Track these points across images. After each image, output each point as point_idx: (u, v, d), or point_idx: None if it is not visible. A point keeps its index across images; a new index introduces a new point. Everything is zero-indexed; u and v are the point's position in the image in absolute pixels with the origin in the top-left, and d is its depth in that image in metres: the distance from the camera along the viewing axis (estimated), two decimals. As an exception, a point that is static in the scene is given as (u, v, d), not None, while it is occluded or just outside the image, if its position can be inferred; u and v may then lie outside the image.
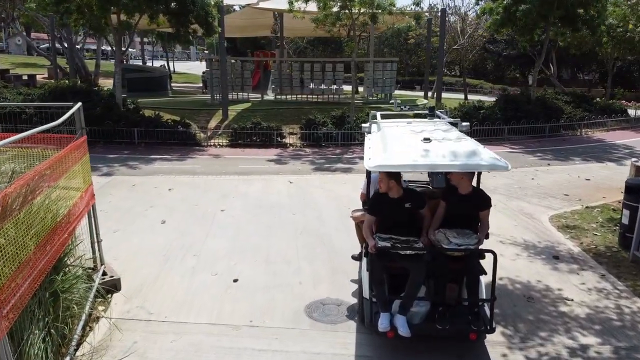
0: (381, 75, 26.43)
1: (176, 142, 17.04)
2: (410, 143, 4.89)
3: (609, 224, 9.03)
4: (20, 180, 3.88)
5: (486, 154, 4.56)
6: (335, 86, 26.34)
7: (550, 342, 5.20)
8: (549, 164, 15.07)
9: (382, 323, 4.69)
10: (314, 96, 26.59)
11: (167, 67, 45.36)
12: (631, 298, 6.19)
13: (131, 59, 58.77)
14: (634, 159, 10.73)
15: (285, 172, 13.37)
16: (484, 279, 5.05)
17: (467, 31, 35.71)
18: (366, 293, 5.02)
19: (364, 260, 5.36)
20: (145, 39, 54.83)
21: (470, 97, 35.11)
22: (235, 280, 6.58)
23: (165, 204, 10.12)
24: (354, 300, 5.99)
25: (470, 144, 4.86)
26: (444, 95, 28.42)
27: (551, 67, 33.00)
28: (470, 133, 16.89)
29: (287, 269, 6.99)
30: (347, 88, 28.86)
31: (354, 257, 6.63)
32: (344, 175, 13.12)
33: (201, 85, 33.69)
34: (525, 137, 19.76)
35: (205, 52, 72.17)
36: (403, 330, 4.63)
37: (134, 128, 16.94)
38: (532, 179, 12.94)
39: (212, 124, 19.63)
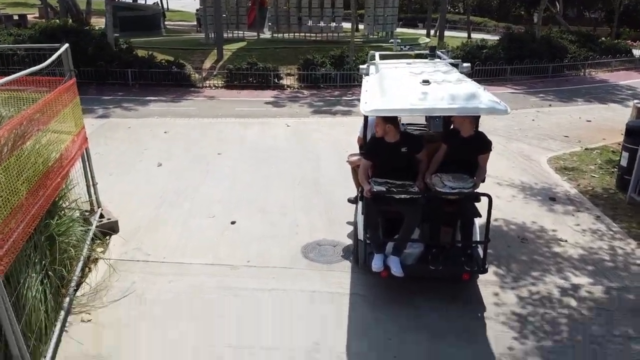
0: (382, 12, 25.55)
1: (170, 83, 16.71)
2: (409, 86, 4.76)
3: (607, 166, 9.00)
4: (8, 125, 3.79)
5: (486, 97, 4.44)
6: (334, 24, 25.52)
7: (542, 282, 5.29)
8: (550, 105, 14.86)
9: (376, 263, 4.75)
10: (312, 34, 25.83)
11: (160, 5, 43.79)
12: (625, 239, 6.25)
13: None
14: (636, 101, 10.54)
15: (283, 115, 13.19)
16: (479, 221, 5.07)
17: (471, -35, 34.20)
18: (361, 235, 5.05)
19: (360, 203, 5.36)
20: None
21: (474, 35, 34.16)
22: (232, 223, 6.62)
23: (161, 147, 10.04)
24: (350, 242, 6.05)
25: (470, 86, 4.74)
26: (447, 33, 27.66)
27: (557, 4, 31.91)
28: (473, 73, 16.80)
29: (284, 211, 7.01)
30: (347, 26, 27.99)
31: (350, 200, 6.66)
32: (342, 118, 12.94)
33: (195, 23, 32.66)
34: (528, 77, 19.39)
35: (200, -12, 69.47)
36: (396, 270, 4.70)
37: (127, 69, 16.57)
38: (533, 120, 12.80)
39: (207, 64, 19.18)
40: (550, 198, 7.55)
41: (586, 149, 10.20)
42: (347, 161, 6.15)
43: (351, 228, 6.37)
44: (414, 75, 5.15)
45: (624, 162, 7.70)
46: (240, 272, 5.49)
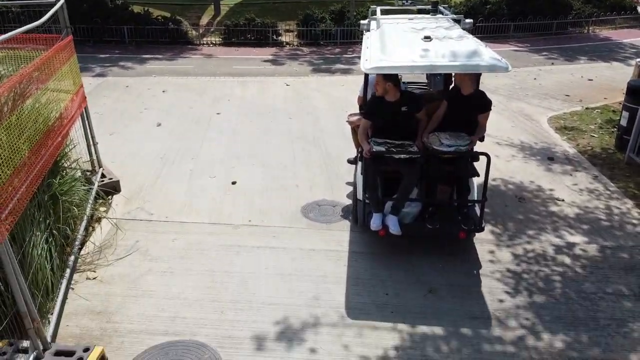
0: (383, -33, 24.85)
1: (167, 40, 16.44)
2: (410, 42, 4.73)
3: (607, 126, 8.99)
4: (7, 83, 3.77)
5: (487, 54, 4.42)
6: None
7: (537, 240, 5.40)
8: (552, 63, 14.69)
9: (375, 222, 4.82)
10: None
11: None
12: (622, 199, 6.33)
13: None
14: (638, 60, 10.42)
15: (282, 74, 13.04)
16: (476, 180, 5.12)
17: None
18: (360, 195, 5.11)
19: (359, 163, 5.40)
20: None
21: (477, -9, 33.29)
22: (233, 183, 6.67)
23: (160, 106, 9.98)
24: (349, 202, 6.12)
25: (472, 43, 4.71)
26: (449, -11, 26.92)
27: (564, -43, 30.89)
28: (476, 30, 16.53)
29: (283, 172, 7.06)
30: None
31: (349, 161, 6.71)
32: (342, 77, 12.82)
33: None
34: (531, 34, 19.07)
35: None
36: (394, 228, 4.77)
37: (123, 26, 16.25)
38: (535, 79, 12.68)
39: (204, 20, 18.82)
40: (548, 158, 7.58)
41: (587, 108, 10.16)
42: (347, 121, 6.14)
43: (350, 188, 6.44)
44: (416, 32, 5.11)
45: (623, 122, 7.69)
46: (242, 230, 5.59)
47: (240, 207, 6.07)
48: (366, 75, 5.12)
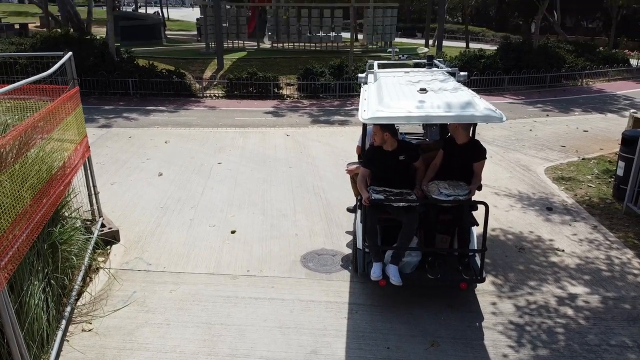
0: (381, 22, 25.76)
1: (171, 93, 16.82)
2: (406, 94, 4.87)
3: (604, 176, 9.08)
4: (13, 132, 3.85)
5: (481, 105, 4.53)
6: (333, 34, 25.72)
7: (539, 291, 5.34)
8: (547, 115, 14.97)
9: (375, 272, 4.82)
10: (311, 44, 26.02)
11: (160, 14, 44.10)
12: (622, 249, 6.31)
13: (123, 5, 57.05)
14: (632, 111, 10.66)
15: (283, 125, 13.28)
16: (476, 230, 5.13)
17: (470, -24, 34.51)
18: (360, 244, 5.12)
19: (359, 212, 5.44)
20: (138, -16, 53.03)
21: (472, 45, 34.39)
22: (233, 232, 6.67)
23: (162, 156, 10.10)
24: (349, 251, 6.11)
25: (466, 94, 4.83)
26: (445, 43, 27.84)
27: (555, 14, 32.13)
28: (471, 83, 16.91)
29: (283, 221, 7.07)
30: (346, 35, 28.21)
31: (349, 210, 6.74)
32: (341, 128, 13.04)
33: (195, 33, 32.89)
34: (525, 87, 19.54)
35: (200, -2, 69.99)
36: (395, 279, 4.76)
37: (128, 79, 16.68)
38: (530, 130, 12.90)
39: (207, 73, 19.31)
40: (547, 208, 7.61)
41: (583, 158, 10.29)
42: (346, 170, 6.23)
43: (350, 237, 6.44)
44: (412, 84, 5.25)
45: (620, 172, 7.77)
46: (240, 281, 5.54)
47: (239, 257, 6.05)
48: (364, 126, 5.26)
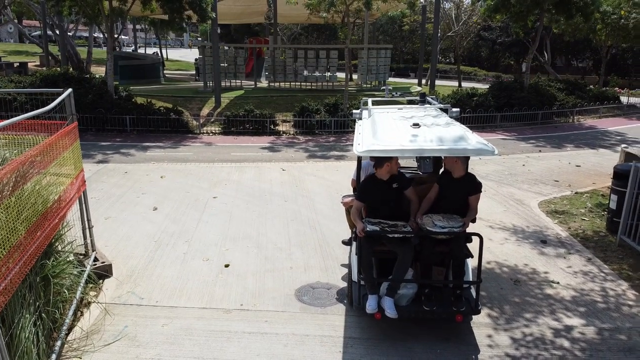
0: (375, 63, 26.36)
1: (168, 129, 17.02)
2: (400, 128, 5.00)
3: (597, 209, 9.14)
4: (10, 165, 3.90)
5: (473, 139, 4.63)
6: (329, 73, 26.26)
7: (535, 324, 5.30)
8: (540, 151, 15.17)
9: (370, 305, 4.81)
10: (307, 84, 26.52)
11: (159, 54, 45.02)
12: (616, 281, 6.30)
13: (123, 46, 58.24)
14: (623, 145, 10.83)
15: (278, 160, 13.39)
16: (471, 262, 5.14)
17: (461, 18, 35.58)
18: (355, 276, 5.13)
19: (354, 244, 5.46)
20: (138, 26, 54.30)
21: (464, 84, 35.10)
22: (226, 266, 6.64)
23: (157, 191, 10.14)
24: (344, 284, 6.07)
25: (459, 129, 4.94)
26: (438, 82, 28.43)
27: (545, 54, 32.98)
28: (464, 120, 17.19)
29: (278, 254, 7.05)
30: (341, 75, 28.80)
31: (344, 242, 6.75)
32: (336, 163, 13.16)
33: (194, 72, 33.51)
34: (517, 124, 19.86)
35: (199, 39, 71.58)
36: (390, 311, 4.76)
37: (126, 116, 16.89)
38: (523, 165, 13.03)
39: (205, 111, 19.58)
40: (541, 241, 7.63)
41: (576, 192, 10.37)
42: (342, 202, 6.28)
43: (345, 270, 6.41)
44: (405, 119, 5.38)
45: (613, 205, 7.84)
46: (233, 315, 5.48)
47: (233, 291, 6.00)
48: (359, 160, 5.37)
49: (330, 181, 11.09)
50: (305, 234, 7.82)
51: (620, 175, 7.73)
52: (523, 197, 10.03)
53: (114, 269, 6.33)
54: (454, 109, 6.18)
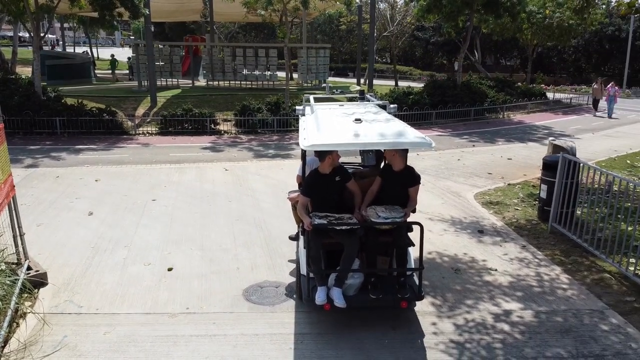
0: (315, 62, 26.51)
1: (102, 131, 16.33)
2: (343, 124, 5.19)
3: (529, 199, 9.65)
4: None
5: (412, 133, 4.87)
6: (269, 72, 26.14)
7: (476, 310, 5.53)
8: (474, 146, 15.82)
9: (320, 296, 4.90)
10: (247, 82, 26.27)
11: (90, 53, 43.07)
12: (550, 266, 6.68)
13: (50, 45, 55.22)
14: (551, 138, 11.49)
15: (221, 160, 13.18)
16: (413, 251, 5.31)
17: (396, 18, 36.48)
18: (304, 270, 5.22)
19: (301, 239, 5.52)
20: (66, 25, 51.67)
21: (401, 83, 36.01)
22: (169, 269, 6.45)
23: (92, 195, 9.70)
24: (292, 281, 6.07)
25: (398, 124, 5.21)
26: (376, 82, 28.97)
27: (476, 53, 34.46)
28: (401, 118, 17.70)
29: (223, 256, 6.94)
30: (282, 74, 28.74)
31: (291, 238, 6.78)
32: (281, 161, 13.12)
33: (127, 72, 32.33)
34: (451, 120, 20.61)
35: (131, 37, 69.07)
36: (339, 301, 4.87)
37: (55, 117, 16.03)
38: (459, 159, 13.55)
39: (140, 111, 18.95)
40: (478, 230, 7.96)
41: (509, 184, 10.91)
42: (288, 198, 6.32)
43: (293, 266, 6.41)
44: (347, 115, 5.57)
45: (543, 195, 8.30)
46: (179, 319, 5.34)
47: (178, 294, 5.84)
48: (304, 156, 5.44)
49: (275, 180, 11.04)
50: (251, 233, 7.75)
51: (549, 166, 8.20)
52: (460, 190, 10.42)
53: (49, 278, 5.99)
54: (391, 106, 6.49)
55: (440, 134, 18.15)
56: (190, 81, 26.17)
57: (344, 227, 4.99)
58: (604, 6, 29.10)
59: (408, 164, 5.43)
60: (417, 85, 27.49)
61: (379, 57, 51.37)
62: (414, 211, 5.33)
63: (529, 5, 24.46)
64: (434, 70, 50.23)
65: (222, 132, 17.31)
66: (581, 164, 7.60)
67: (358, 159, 7.31)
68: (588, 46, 43.02)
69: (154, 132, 16.87)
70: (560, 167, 7.58)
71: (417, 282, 5.09)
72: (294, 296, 5.72)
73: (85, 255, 6.85)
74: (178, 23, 46.91)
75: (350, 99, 8.79)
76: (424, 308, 5.43)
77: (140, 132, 16.81)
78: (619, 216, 6.93)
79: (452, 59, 50.35)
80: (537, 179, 11.41)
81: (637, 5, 9.15)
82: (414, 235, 5.17)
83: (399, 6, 38.26)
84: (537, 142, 16.58)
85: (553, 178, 7.96)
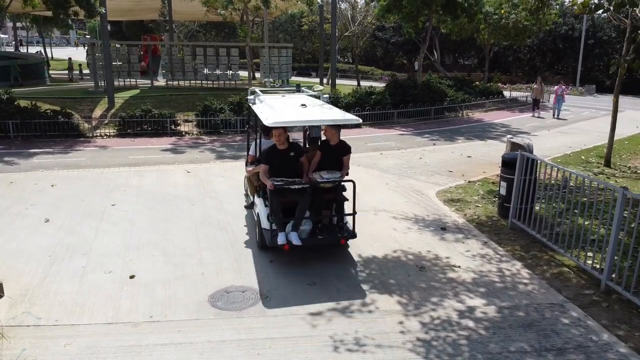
0: (277, 62, 26.37)
1: (57, 134, 15.75)
2: (293, 107, 7.06)
3: (489, 196, 9.88)
4: None
5: (345, 115, 6.98)
6: (230, 72, 25.83)
7: (442, 307, 5.62)
8: (434, 144, 16.09)
9: (280, 239, 6.37)
10: (209, 82, 25.90)
11: (44, 53, 41.55)
12: (511, 261, 6.86)
13: (3, 45, 52.96)
14: (509, 136, 11.79)
15: (182, 162, 12.94)
16: (349, 205, 6.82)
17: (357, 18, 36.71)
18: (265, 225, 6.70)
19: (258, 205, 7.17)
20: (19, 24, 49.65)
21: (363, 83, 36.30)
22: (131, 277, 6.27)
23: (48, 201, 9.34)
24: (259, 286, 6.01)
25: (333, 108, 7.31)
26: (338, 81, 29.11)
27: (435, 53, 35.04)
28: (363, 118, 18.38)
29: (187, 260, 6.80)
30: (244, 74, 28.47)
31: (246, 207, 8.47)
32: (244, 162, 12.95)
33: (87, 71, 31.36)
34: (413, 119, 20.91)
35: (87, 36, 67.00)
36: (295, 241, 6.37)
37: (8, 120, 15.36)
38: (420, 158, 13.74)
39: (97, 113, 18.40)
40: (441, 228, 8.10)
41: (469, 181, 11.14)
42: (246, 171, 7.94)
43: (260, 269, 6.37)
44: (292, 102, 7.43)
45: (502, 191, 8.51)
46: (143, 328, 5.19)
47: (141, 303, 5.68)
48: (259, 139, 7.80)
49: (239, 181, 10.89)
50: (216, 236, 7.63)
51: (507, 164, 8.40)
52: (422, 188, 10.58)
53: (5, 289, 5.74)
54: (324, 95, 8.64)
55: (402, 133, 18.37)
56: (149, 81, 25.60)
57: (297, 187, 6.51)
58: (557, 6, 30.12)
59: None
60: (379, 85, 27.76)
61: (340, 57, 51.63)
62: (347, 174, 6.96)
63: (486, 7, 25.06)
64: (395, 70, 50.87)
65: (183, 133, 16.99)
66: (539, 161, 7.83)
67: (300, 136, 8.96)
68: (542, 45, 44.48)
69: (112, 134, 16.40)
70: (518, 164, 7.79)
71: (351, 227, 6.79)
72: (260, 298, 5.67)
73: (42, 264, 6.59)
74: (136, 22, 45.85)
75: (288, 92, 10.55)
76: (390, 307, 5.49)
77: (98, 134, 16.32)
78: (576, 211, 7.18)
79: (412, 59, 51.13)
80: (496, 176, 11.70)
81: (590, 4, 9.49)
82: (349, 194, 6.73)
83: (359, 6, 38.52)
84: (496, 140, 17.02)
85: (512, 175, 8.17)
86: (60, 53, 60.68)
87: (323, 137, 7.42)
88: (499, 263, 6.81)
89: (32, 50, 50.91)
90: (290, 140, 6.94)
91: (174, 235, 7.69)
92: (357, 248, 7.18)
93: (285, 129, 6.68)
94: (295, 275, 6.33)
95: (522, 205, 7.87)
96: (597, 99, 34.98)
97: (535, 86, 24.76)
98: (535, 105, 24.19)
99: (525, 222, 7.79)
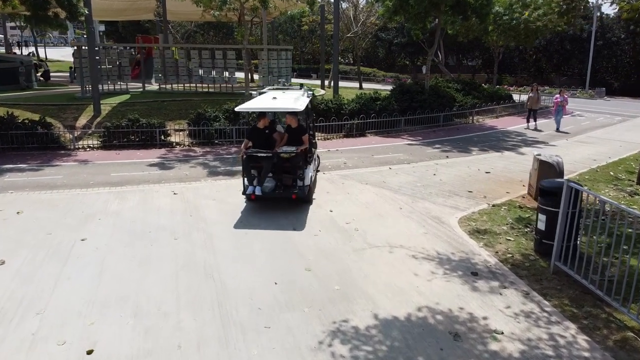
0: (276, 64, 25.03)
1: (36, 146, 14.42)
2: (264, 99, 9.70)
3: (518, 225, 8.60)
4: None
5: (291, 105, 9.16)
6: (227, 74, 24.48)
7: (489, 402, 4.32)
8: (447, 156, 14.78)
9: (249, 190, 9.11)
10: (204, 86, 24.56)
11: (35, 54, 40.16)
12: (562, 322, 5.56)
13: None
14: (536, 153, 10.51)
15: (170, 180, 11.59)
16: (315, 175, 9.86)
17: (359, 18, 35.38)
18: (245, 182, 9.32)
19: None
20: (13, 24, 48.30)
21: (365, 85, 35.05)
22: (89, 352, 4.94)
23: (10, 234, 8.02)
24: (250, 365, 4.71)
25: (294, 101, 9.48)
26: (339, 83, 27.79)
27: (439, 54, 33.75)
28: (369, 125, 17.52)
29: (162, 324, 5.47)
30: (241, 76, 27.13)
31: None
32: (240, 180, 11.55)
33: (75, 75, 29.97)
34: (421, 127, 19.63)
35: (84, 36, 65.59)
36: (257, 192, 9.03)
37: (-21, 131, 14.05)
38: (434, 174, 12.43)
39: (82, 121, 17.04)
40: (472, 272, 6.78)
41: (493, 205, 9.83)
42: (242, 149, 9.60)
43: (260, 340, 5.06)
44: (272, 96, 9.96)
45: (541, 226, 7.21)
46: None
47: (99, 390, 4.38)
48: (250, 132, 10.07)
49: (232, 205, 9.58)
50: (200, 288, 6.27)
51: (546, 193, 7.14)
52: (440, 214, 9.28)
53: None
54: (308, 92, 10.77)
55: (410, 142, 17.05)
56: (141, 85, 24.28)
57: (262, 154, 9.08)
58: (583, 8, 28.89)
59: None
60: (382, 88, 26.51)
61: (342, 58, 50.31)
62: (305, 148, 9.36)
63: (495, 7, 23.77)
64: (397, 72, 49.67)
65: (174, 144, 15.65)
66: (584, 192, 6.56)
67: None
68: (549, 46, 43.25)
69: (96, 145, 15.06)
70: (564, 196, 6.49)
71: (308, 195, 9.50)
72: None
73: (-19, 329, 5.27)
74: (132, 22, 44.62)
75: (288, 89, 11.81)
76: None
77: (80, 146, 14.97)
78: (625, 247, 5.87)
79: (415, 60, 49.86)
80: (522, 198, 10.44)
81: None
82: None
83: (361, 6, 37.20)
84: (513, 152, 15.72)
85: (552, 207, 6.92)
86: (56, 54, 59.28)
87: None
88: (549, 326, 5.50)
89: (27, 51, 49.57)
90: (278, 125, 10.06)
91: (150, 285, 6.35)
92: (374, 304, 5.87)
93: (264, 114, 9.55)
94: (299, 353, 5.02)
95: (564, 242, 6.58)
96: (608, 103, 33.80)
97: (531, 94, 20.94)
98: (531, 115, 20.81)
99: (569, 264, 6.48)
